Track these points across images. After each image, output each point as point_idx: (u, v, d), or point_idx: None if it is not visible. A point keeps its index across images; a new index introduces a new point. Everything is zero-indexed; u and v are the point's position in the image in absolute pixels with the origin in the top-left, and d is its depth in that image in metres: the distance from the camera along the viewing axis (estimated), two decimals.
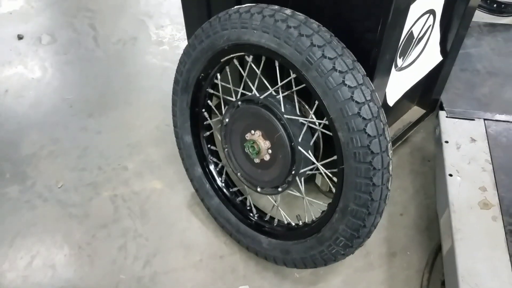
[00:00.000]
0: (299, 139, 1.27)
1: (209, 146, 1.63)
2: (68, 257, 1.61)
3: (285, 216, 1.46)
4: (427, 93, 1.74)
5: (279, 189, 1.38)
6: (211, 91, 1.51)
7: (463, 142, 1.60)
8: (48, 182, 1.86)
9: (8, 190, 1.83)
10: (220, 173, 1.63)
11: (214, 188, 1.62)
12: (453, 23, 1.50)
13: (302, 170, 1.31)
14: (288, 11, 1.17)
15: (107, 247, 1.64)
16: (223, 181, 1.63)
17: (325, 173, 1.32)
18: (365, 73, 1.11)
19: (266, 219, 1.54)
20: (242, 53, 1.32)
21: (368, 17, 1.14)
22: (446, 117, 1.70)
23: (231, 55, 1.34)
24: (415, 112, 1.79)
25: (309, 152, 1.30)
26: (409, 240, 1.63)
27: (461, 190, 1.46)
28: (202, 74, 1.45)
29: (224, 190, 1.62)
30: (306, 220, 1.42)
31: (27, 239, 1.67)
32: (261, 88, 1.35)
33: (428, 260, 1.55)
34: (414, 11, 1.24)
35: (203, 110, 1.56)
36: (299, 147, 1.27)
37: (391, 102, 1.46)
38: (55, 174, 1.89)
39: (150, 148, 1.99)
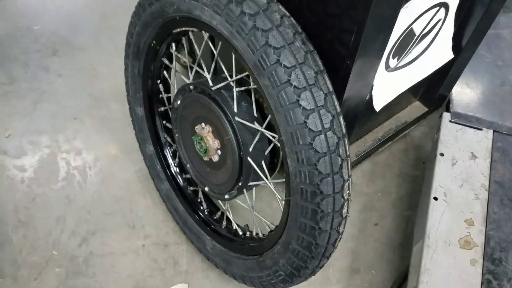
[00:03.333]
0: (250, 149, 1.04)
1: (164, 122, 1.40)
2: (1, 222, 1.48)
3: (235, 223, 1.27)
4: (433, 89, 1.44)
5: (226, 197, 1.17)
6: (167, 62, 1.26)
7: (461, 158, 1.34)
8: None
9: None
10: (174, 155, 1.42)
11: (165, 171, 1.42)
12: (474, 14, 1.17)
13: (250, 184, 1.09)
14: None
15: (45, 215, 1.49)
16: (176, 164, 1.42)
17: (276, 194, 1.10)
18: (329, 90, 0.85)
19: (215, 217, 1.35)
20: (196, 29, 1.05)
21: (344, 17, 0.85)
22: (450, 121, 1.42)
23: (184, 28, 1.08)
24: (416, 109, 1.50)
25: (262, 163, 1.07)
26: (377, 256, 1.44)
27: (443, 220, 1.23)
28: (154, 42, 1.19)
29: (177, 176, 1.42)
30: (254, 233, 1.23)
31: None
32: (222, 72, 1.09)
33: (393, 286, 1.37)
34: (415, 8, 0.93)
35: (158, 81, 1.32)
36: (249, 158, 1.04)
37: (378, 106, 1.18)
38: (5, 120, 1.71)
39: (113, 103, 1.77)
